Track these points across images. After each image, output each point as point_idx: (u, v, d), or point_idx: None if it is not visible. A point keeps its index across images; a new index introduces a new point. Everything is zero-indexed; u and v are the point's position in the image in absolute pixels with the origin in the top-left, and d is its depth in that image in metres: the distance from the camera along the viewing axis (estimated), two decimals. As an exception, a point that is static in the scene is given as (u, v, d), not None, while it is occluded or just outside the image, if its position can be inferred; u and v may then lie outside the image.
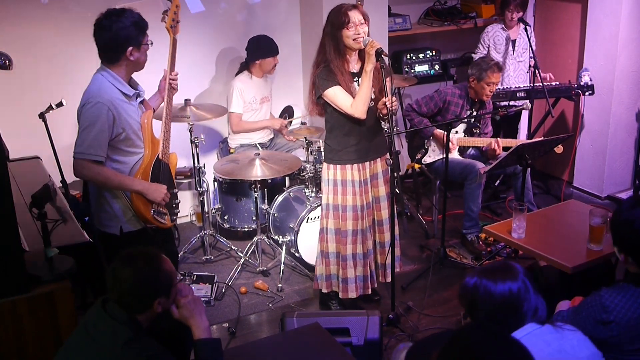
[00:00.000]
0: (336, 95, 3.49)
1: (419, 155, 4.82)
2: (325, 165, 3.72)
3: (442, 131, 4.64)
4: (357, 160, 3.65)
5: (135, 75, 3.42)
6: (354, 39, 3.44)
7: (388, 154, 3.79)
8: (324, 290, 3.87)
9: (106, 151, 3.01)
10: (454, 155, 4.77)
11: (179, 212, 3.44)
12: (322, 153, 4.19)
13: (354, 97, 3.49)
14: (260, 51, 4.74)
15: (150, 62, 3.66)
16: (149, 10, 3.48)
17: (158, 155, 3.24)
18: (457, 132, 4.79)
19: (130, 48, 3.01)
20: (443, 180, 4.53)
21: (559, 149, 4.54)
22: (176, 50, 3.36)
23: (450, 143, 4.69)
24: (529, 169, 4.32)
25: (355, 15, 3.42)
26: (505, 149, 5.12)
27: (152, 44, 3.13)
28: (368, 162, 3.70)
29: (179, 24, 3.37)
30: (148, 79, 3.71)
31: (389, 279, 3.89)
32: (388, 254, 3.82)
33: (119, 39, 2.99)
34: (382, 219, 3.80)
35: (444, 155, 4.36)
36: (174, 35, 3.33)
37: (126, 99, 3.08)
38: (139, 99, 3.21)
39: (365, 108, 3.47)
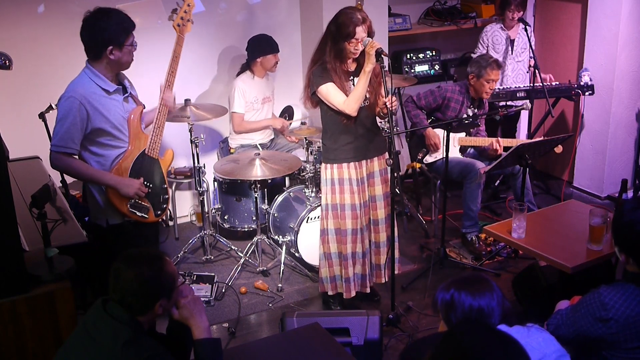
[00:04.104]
0: (329, 92, 3.52)
1: (420, 155, 4.82)
2: (323, 165, 3.74)
3: (434, 131, 4.67)
4: (353, 159, 3.66)
5: (134, 74, 3.42)
6: (351, 52, 3.49)
7: (387, 153, 3.79)
8: (330, 293, 3.86)
9: (79, 144, 3.10)
10: (455, 154, 4.77)
11: (166, 207, 3.47)
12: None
13: (347, 96, 3.52)
14: (260, 49, 4.75)
15: (151, 60, 3.66)
16: (148, 10, 3.48)
17: (144, 151, 3.28)
18: (465, 134, 4.80)
19: (110, 47, 3.06)
20: (443, 180, 4.53)
21: (559, 148, 4.55)
22: (180, 52, 3.36)
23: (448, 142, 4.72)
24: (527, 168, 4.32)
25: (361, 33, 3.43)
26: (505, 149, 5.14)
27: (136, 45, 3.16)
28: (365, 161, 3.71)
29: (189, 22, 3.40)
30: (137, 81, 3.71)
31: (383, 280, 3.90)
32: (384, 254, 3.83)
33: (100, 37, 3.06)
34: (378, 219, 3.80)
35: (444, 155, 4.37)
36: (182, 33, 3.37)
37: (106, 94, 3.14)
38: (125, 94, 3.25)
39: (357, 106, 3.51)
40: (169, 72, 3.37)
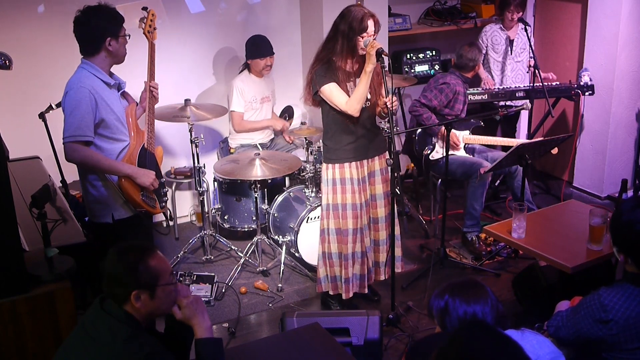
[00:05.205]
0: (332, 92, 3.53)
1: (426, 151, 4.80)
2: (324, 165, 3.74)
3: (452, 131, 4.66)
4: (354, 158, 3.67)
5: (135, 74, 3.44)
6: (361, 48, 3.50)
7: (387, 153, 3.80)
8: (331, 293, 3.86)
9: (93, 132, 3.15)
10: (461, 153, 4.78)
11: (167, 199, 3.58)
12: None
13: (349, 96, 3.53)
14: (249, 52, 4.77)
15: (135, 66, 3.70)
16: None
17: (144, 145, 3.37)
18: (470, 132, 4.82)
19: (108, 39, 3.17)
20: (444, 180, 4.53)
21: (554, 149, 4.55)
22: (155, 56, 3.49)
23: (454, 141, 4.72)
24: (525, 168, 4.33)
25: (372, 27, 3.46)
26: (505, 148, 5.14)
27: (129, 36, 3.27)
28: (366, 160, 3.72)
29: (156, 30, 3.53)
30: (138, 82, 3.73)
31: (382, 277, 3.90)
32: (383, 252, 3.84)
33: (97, 31, 3.15)
34: (378, 217, 3.81)
35: (452, 152, 4.40)
36: (152, 40, 3.50)
37: (107, 87, 3.22)
38: (120, 91, 3.34)
39: (360, 106, 3.52)
40: (149, 76, 3.47)
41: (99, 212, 3.31)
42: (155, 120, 3.55)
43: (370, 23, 3.45)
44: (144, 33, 3.50)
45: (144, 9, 3.54)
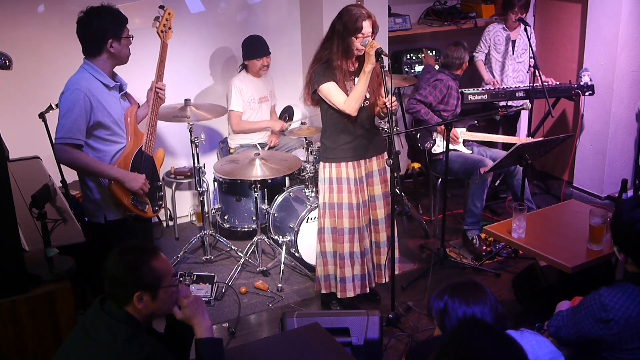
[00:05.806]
0: (330, 91, 3.54)
1: (428, 145, 4.80)
2: (321, 164, 3.75)
3: (453, 127, 4.68)
4: (352, 158, 3.67)
5: (137, 75, 3.43)
6: (357, 49, 3.49)
7: (387, 154, 3.80)
8: (324, 291, 3.87)
9: (84, 135, 3.14)
10: (460, 149, 4.78)
11: (162, 204, 3.56)
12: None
13: (348, 95, 3.54)
14: (245, 53, 4.77)
15: (142, 65, 3.68)
16: (149, 10, 3.50)
17: (141, 147, 3.35)
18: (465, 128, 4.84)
19: (110, 40, 3.16)
20: (444, 179, 4.53)
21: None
22: (166, 56, 3.46)
23: (454, 134, 4.73)
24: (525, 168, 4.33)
25: (367, 28, 3.46)
26: (505, 147, 5.15)
27: (132, 37, 3.26)
28: (363, 160, 3.72)
29: (171, 30, 3.51)
30: (139, 82, 3.72)
31: (384, 280, 3.90)
32: (384, 254, 3.83)
33: (99, 32, 3.15)
34: (378, 219, 3.81)
35: (452, 148, 4.40)
36: (165, 40, 3.48)
37: (107, 89, 3.21)
38: (122, 92, 3.33)
39: (358, 106, 3.53)
40: (157, 76, 3.45)
41: (93, 212, 3.32)
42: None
43: (366, 24, 3.44)
44: (157, 32, 3.45)
45: (161, 7, 3.50)
